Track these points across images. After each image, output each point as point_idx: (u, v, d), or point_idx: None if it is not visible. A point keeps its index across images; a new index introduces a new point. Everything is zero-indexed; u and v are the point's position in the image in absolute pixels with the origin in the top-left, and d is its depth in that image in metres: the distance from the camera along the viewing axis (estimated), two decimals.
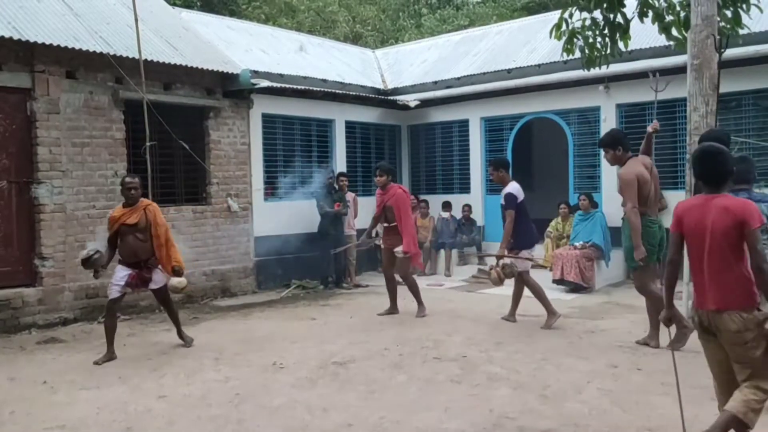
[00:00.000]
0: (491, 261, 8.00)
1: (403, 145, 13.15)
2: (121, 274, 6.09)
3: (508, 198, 7.09)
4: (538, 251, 9.61)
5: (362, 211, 10.95)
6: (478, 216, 11.68)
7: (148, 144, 8.37)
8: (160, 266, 6.23)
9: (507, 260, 7.08)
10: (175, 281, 6.19)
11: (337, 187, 10.40)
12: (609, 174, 10.32)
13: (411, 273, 8.17)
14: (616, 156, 6.21)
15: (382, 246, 8.27)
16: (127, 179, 6.18)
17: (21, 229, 7.62)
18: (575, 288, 9.12)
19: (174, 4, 14.59)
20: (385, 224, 8.02)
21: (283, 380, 5.36)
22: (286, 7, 22.57)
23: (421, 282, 10.77)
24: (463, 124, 12.19)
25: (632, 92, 9.98)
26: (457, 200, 11.85)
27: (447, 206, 11.77)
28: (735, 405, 3.27)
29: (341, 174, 10.74)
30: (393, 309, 8.09)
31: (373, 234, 8.70)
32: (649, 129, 6.42)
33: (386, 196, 7.89)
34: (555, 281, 9.22)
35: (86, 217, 8.10)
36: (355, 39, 21.67)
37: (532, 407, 4.53)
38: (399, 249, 7.75)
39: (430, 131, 12.85)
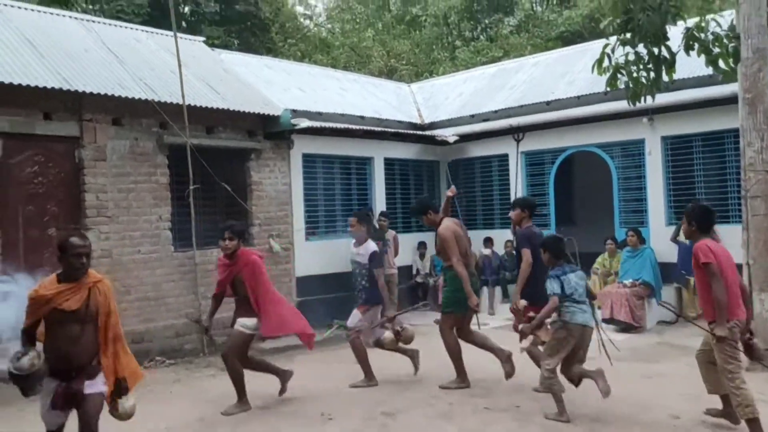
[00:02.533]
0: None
1: (442, 180, 13.07)
2: (47, 389, 3.96)
3: (372, 256, 6.64)
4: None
5: (402, 249, 10.87)
6: None
7: (191, 188, 8.50)
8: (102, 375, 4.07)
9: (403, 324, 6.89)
10: (127, 405, 4.11)
11: (377, 226, 10.34)
12: (656, 208, 10.08)
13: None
14: (430, 219, 6.64)
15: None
16: (76, 240, 4.01)
17: None
18: (626, 327, 8.83)
19: (213, 45, 14.90)
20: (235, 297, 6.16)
21: None
22: (321, 44, 22.91)
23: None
24: (503, 159, 12.07)
25: (678, 124, 9.77)
26: (499, 236, 11.67)
27: (489, 242, 11.61)
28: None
29: (381, 214, 10.69)
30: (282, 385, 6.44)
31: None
32: (448, 193, 6.85)
33: (236, 267, 5.98)
34: (605, 320, 8.94)
35: (131, 263, 8.17)
36: (390, 73, 21.83)
37: None
38: (246, 322, 5.91)
39: (469, 166, 12.75)
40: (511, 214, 6.58)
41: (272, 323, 5.95)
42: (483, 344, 6.59)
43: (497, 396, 6.07)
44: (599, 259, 10.08)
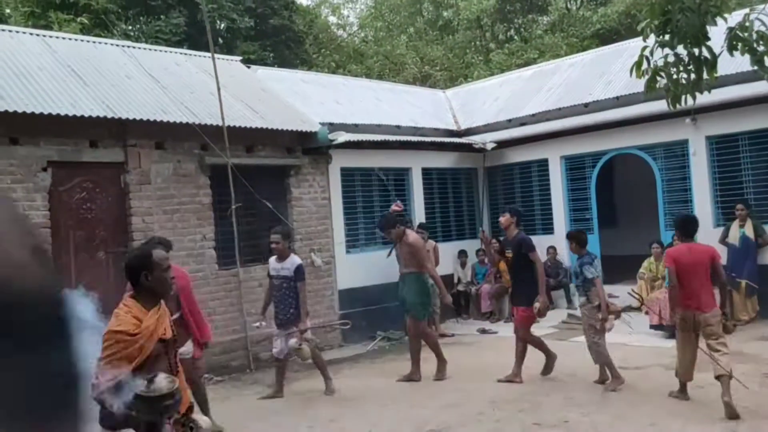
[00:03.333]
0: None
1: (480, 187, 12.99)
2: None
3: (298, 269, 6.74)
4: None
5: (443, 258, 10.85)
6: (563, 258, 11.34)
7: (233, 206, 8.66)
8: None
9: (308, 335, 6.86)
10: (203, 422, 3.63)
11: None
12: (703, 209, 9.84)
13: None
14: (398, 233, 7.37)
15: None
16: (161, 254, 3.49)
17: (119, 298, 7.90)
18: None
19: (248, 60, 15.12)
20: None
21: None
22: (355, 53, 23.03)
23: (508, 329, 10.54)
24: (543, 164, 11.94)
25: (723, 123, 9.52)
26: (541, 242, 11.45)
27: None
28: (719, 367, 5.51)
29: (420, 226, 10.69)
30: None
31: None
32: (394, 207, 8.06)
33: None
34: (653, 326, 8.77)
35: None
36: (424, 80, 21.82)
37: None
38: (185, 350, 5.35)
39: (508, 172, 12.65)
40: (502, 219, 7.31)
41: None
42: (433, 346, 7.47)
43: (545, 411, 6.00)
44: (645, 264, 9.88)
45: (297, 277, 6.74)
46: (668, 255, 6.08)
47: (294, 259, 6.90)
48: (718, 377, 5.57)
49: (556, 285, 11.11)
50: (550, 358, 7.12)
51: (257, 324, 7.18)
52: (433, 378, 7.40)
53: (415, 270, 7.40)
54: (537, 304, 6.81)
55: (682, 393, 6.08)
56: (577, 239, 6.93)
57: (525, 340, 7.09)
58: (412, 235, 7.53)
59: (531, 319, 7.06)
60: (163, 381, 2.97)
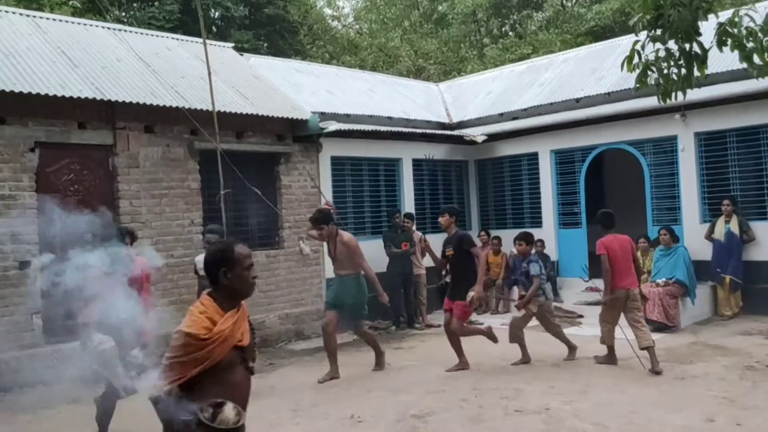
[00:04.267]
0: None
1: (470, 180, 13.02)
2: None
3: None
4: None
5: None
6: (551, 251, 11.39)
7: (222, 192, 8.61)
8: None
9: None
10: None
11: (403, 225, 10.40)
12: (690, 205, 9.91)
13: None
14: (330, 230, 7.22)
15: None
16: (243, 249, 3.01)
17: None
18: (659, 327, 8.70)
19: (242, 49, 15.06)
20: None
21: None
22: (349, 45, 22.97)
23: (495, 321, 10.58)
24: (533, 157, 11.98)
25: (711, 120, 9.59)
26: None
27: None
28: (646, 338, 6.72)
29: (406, 215, 10.70)
30: None
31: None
32: (325, 206, 7.60)
33: None
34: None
35: (165, 267, 8.32)
36: (418, 73, 21.81)
37: None
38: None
39: (498, 165, 12.69)
40: (441, 219, 7.42)
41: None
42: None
43: (527, 398, 6.04)
44: None
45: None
46: (600, 244, 6.97)
47: None
48: (644, 348, 6.64)
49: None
50: (489, 336, 7.44)
51: None
52: (373, 369, 7.46)
53: (351, 272, 7.23)
54: (471, 293, 6.96)
55: (611, 357, 7.06)
56: (526, 240, 7.57)
57: (459, 333, 7.27)
58: (346, 235, 7.39)
59: (469, 313, 7.34)
60: (230, 412, 2.71)
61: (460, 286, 7.17)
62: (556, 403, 5.81)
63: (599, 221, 7.38)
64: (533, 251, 7.82)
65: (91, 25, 9.90)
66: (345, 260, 7.23)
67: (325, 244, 8.72)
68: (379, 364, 7.55)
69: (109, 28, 10.05)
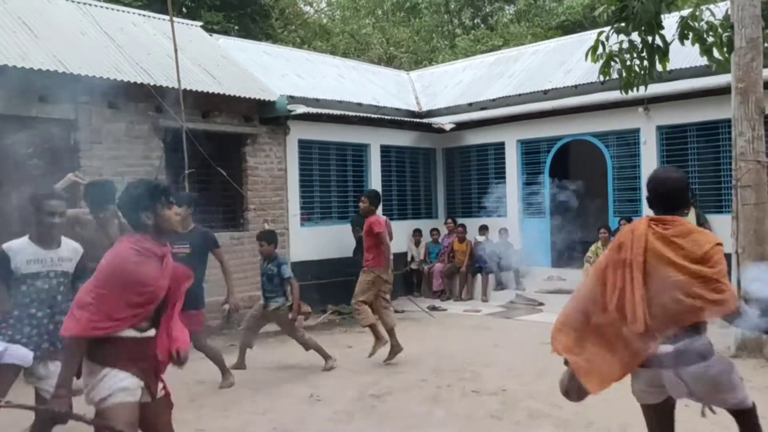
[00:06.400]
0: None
1: (438, 168, 13.09)
2: None
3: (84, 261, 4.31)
4: (576, 276, 9.45)
5: (397, 236, 10.89)
6: (515, 239, 11.53)
7: (186, 172, 8.52)
8: None
9: None
10: None
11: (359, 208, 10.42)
12: None
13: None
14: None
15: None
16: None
17: None
18: None
19: (212, 30, 14.85)
20: None
21: (320, 413, 5.32)
22: (321, 30, 22.82)
23: (459, 307, 10.70)
24: (499, 147, 12.09)
25: (673, 114, 9.80)
26: (494, 224, 11.72)
27: (484, 230, 11.67)
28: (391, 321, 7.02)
29: (362, 195, 10.68)
30: None
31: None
32: (71, 177, 5.73)
33: None
34: None
35: None
36: (389, 60, 21.78)
37: None
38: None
39: (466, 154, 12.78)
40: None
41: None
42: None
43: (485, 380, 6.14)
44: (592, 248, 10.13)
45: (87, 274, 3.82)
46: (377, 221, 7.20)
47: (77, 245, 4.24)
48: (390, 329, 6.94)
49: (506, 266, 11.30)
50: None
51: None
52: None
53: None
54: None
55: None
56: (269, 239, 6.81)
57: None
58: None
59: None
60: None
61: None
62: (513, 385, 5.92)
63: (371, 199, 7.47)
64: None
65: None
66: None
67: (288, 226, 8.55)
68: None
69: (73, 1, 9.82)
